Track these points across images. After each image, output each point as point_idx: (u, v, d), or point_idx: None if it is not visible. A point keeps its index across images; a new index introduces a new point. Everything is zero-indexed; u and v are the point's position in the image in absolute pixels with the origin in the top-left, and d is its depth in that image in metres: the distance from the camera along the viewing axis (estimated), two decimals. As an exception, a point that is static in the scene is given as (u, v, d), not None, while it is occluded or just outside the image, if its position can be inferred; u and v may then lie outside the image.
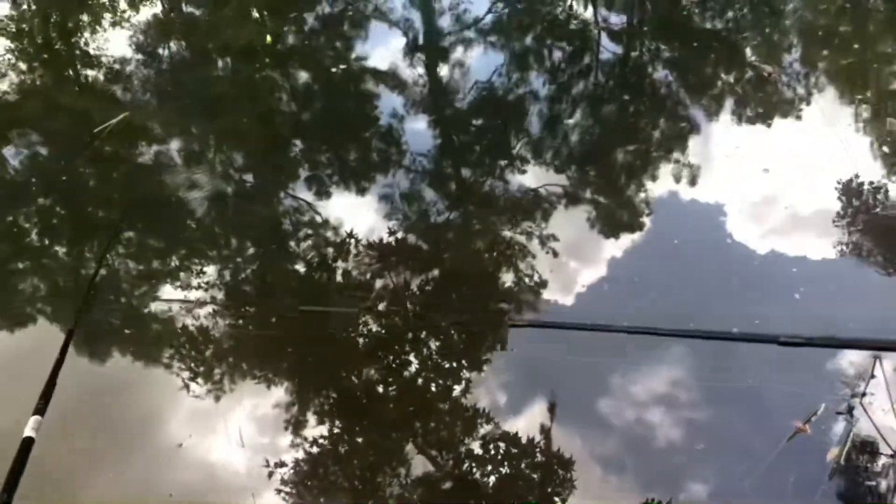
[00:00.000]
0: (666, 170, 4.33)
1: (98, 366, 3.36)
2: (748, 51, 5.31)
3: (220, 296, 3.66)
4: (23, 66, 5.38)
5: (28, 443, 2.62)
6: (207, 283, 3.72)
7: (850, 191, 4.00)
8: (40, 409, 2.77)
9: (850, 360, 3.05)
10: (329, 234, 3.98)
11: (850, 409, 2.87)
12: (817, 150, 4.34)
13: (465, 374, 3.28)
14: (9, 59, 5.37)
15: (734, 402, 3.02)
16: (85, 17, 5.72)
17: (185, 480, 2.89)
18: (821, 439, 2.79)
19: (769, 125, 4.64)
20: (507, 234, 3.92)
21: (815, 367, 3.09)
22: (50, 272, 3.83)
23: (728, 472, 2.78)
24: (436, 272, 3.74)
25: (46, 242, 3.98)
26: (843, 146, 4.24)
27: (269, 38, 5.26)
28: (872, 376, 2.95)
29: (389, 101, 5.07)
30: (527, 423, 3.05)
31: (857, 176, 4.05)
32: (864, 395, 2.90)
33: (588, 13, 6.12)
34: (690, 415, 3.00)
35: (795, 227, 3.87)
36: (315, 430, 3.09)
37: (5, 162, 4.49)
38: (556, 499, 2.79)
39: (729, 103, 4.87)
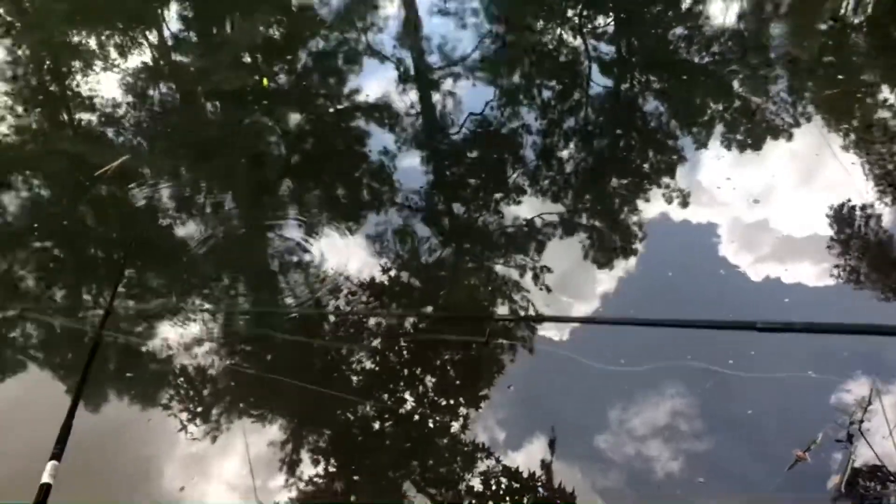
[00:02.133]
0: (656, 198, 4.44)
1: (109, 408, 3.40)
2: (735, 83, 5.46)
3: (216, 333, 3.69)
4: (19, 109, 5.45)
5: (46, 489, 2.62)
6: (205, 320, 3.75)
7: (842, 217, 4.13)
8: (56, 455, 2.78)
9: (848, 387, 3.11)
10: (318, 269, 4.03)
11: (850, 437, 2.91)
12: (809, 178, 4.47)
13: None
14: (5, 102, 5.44)
15: (733, 431, 3.06)
16: (77, 63, 5.83)
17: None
18: (821, 467, 2.83)
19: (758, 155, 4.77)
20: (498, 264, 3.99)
21: (814, 394, 3.15)
22: (59, 315, 3.87)
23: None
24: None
25: (52, 287, 4.02)
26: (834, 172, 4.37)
27: (265, 81, 5.36)
28: (870, 403, 2.99)
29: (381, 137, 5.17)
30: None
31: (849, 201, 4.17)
32: (862, 421, 2.95)
33: (578, 44, 6.27)
34: (689, 446, 3.04)
35: (787, 255, 3.96)
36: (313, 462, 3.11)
37: (4, 208, 4.54)
38: None
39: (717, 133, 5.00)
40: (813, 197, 4.30)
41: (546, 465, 3.04)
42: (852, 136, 4.73)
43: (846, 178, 4.34)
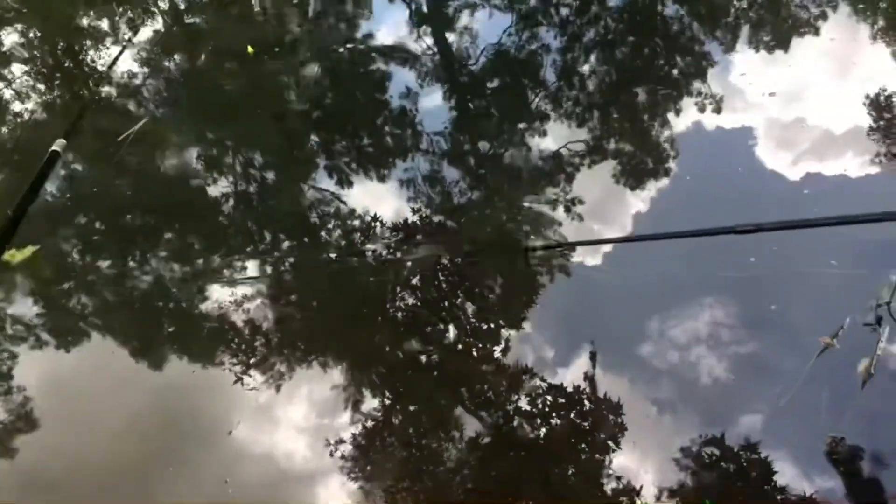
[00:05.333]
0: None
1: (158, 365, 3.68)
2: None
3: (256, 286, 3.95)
4: (40, 86, 5.67)
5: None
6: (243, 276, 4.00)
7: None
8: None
9: (873, 273, 3.22)
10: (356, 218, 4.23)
11: (879, 319, 3.04)
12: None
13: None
14: (26, 81, 5.67)
15: (760, 326, 3.23)
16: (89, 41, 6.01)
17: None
18: (850, 352, 2.98)
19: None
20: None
21: (839, 284, 3.27)
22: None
23: (763, 394, 2.99)
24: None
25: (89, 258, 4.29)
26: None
27: (249, 49, 5.48)
28: (896, 285, 3.10)
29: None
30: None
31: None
32: (889, 303, 3.06)
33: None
34: (717, 346, 3.21)
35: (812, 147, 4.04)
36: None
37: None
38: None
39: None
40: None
41: (589, 377, 3.24)
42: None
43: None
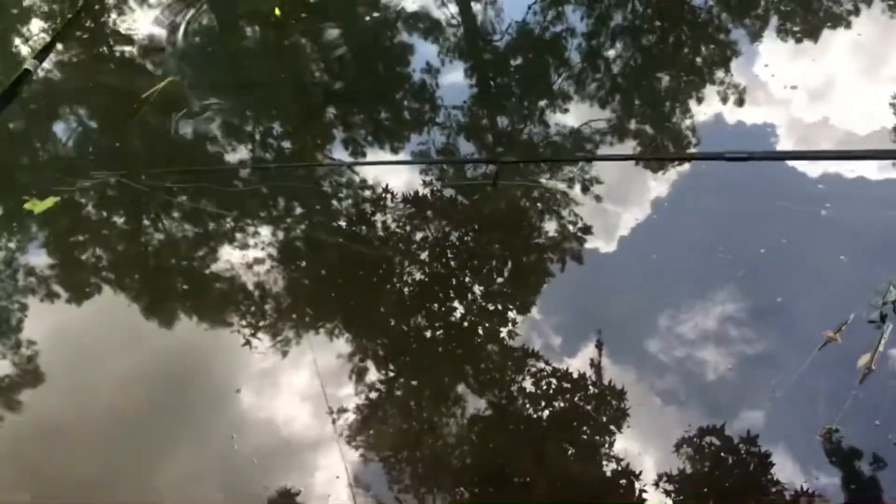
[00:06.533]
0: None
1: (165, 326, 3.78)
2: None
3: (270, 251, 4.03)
4: (60, 46, 5.74)
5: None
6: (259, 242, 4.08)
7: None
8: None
9: (881, 268, 3.25)
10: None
11: (883, 317, 3.07)
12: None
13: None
14: (45, 39, 5.75)
15: (763, 316, 3.27)
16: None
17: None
18: (852, 348, 3.02)
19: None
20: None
21: (846, 277, 3.31)
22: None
23: (760, 384, 3.04)
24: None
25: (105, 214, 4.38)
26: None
27: (277, 10, 5.49)
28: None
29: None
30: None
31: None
32: (895, 301, 3.10)
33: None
34: (718, 331, 3.26)
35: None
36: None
37: (57, 138, 4.90)
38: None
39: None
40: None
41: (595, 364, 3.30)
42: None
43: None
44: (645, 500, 2.85)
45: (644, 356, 3.25)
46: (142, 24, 5.76)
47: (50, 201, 4.23)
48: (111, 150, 4.70)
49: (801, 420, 2.91)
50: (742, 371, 3.11)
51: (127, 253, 4.17)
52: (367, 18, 5.68)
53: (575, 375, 3.26)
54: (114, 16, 5.95)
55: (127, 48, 5.59)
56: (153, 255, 4.10)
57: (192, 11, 5.70)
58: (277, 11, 5.54)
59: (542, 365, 3.32)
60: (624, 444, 3.00)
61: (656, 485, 2.87)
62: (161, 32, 5.63)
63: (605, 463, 2.98)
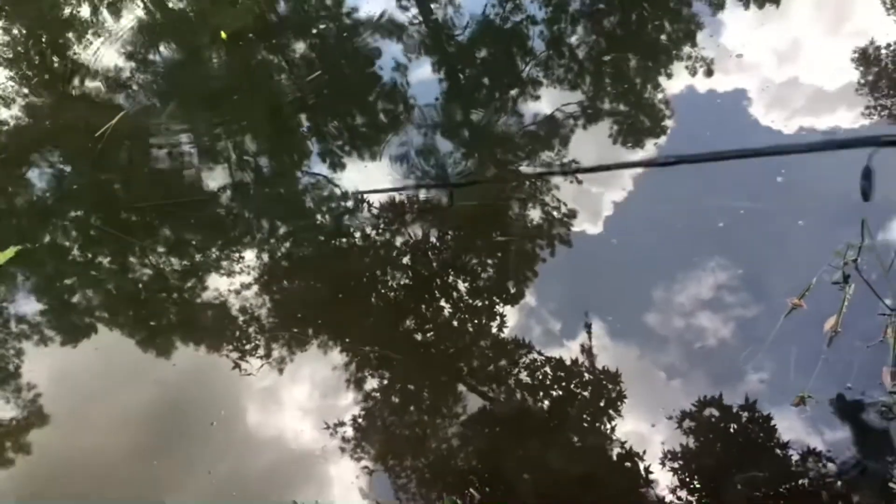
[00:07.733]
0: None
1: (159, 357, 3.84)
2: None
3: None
4: (24, 90, 5.78)
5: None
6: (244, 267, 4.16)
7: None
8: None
9: (838, 231, 3.32)
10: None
11: (846, 277, 3.14)
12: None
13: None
14: (10, 86, 5.78)
15: (727, 290, 3.35)
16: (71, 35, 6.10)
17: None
18: (817, 312, 3.09)
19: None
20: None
21: (806, 240, 3.38)
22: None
23: (731, 355, 3.12)
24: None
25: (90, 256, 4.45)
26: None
27: (223, 34, 5.53)
28: (862, 241, 3.20)
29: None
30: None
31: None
32: (856, 261, 3.16)
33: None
34: (685, 306, 3.34)
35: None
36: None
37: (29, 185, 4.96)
38: None
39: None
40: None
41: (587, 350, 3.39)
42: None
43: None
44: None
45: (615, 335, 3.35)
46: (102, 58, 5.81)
47: (11, 251, 4.26)
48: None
49: (774, 389, 2.99)
50: (711, 347, 3.18)
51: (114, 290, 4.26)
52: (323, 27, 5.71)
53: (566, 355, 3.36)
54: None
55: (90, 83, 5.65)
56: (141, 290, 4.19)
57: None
58: (224, 35, 5.59)
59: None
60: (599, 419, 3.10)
61: (626, 460, 2.96)
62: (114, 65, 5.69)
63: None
